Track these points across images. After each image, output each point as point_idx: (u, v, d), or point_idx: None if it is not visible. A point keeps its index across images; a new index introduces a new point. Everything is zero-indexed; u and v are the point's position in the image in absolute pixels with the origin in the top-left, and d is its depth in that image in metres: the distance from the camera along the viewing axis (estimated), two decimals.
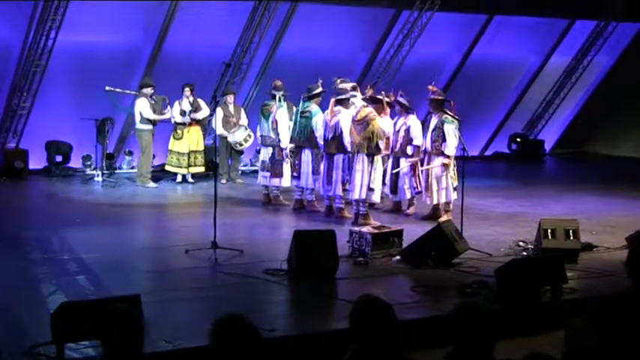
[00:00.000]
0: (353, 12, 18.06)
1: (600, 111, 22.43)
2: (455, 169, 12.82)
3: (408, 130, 13.06)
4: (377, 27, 18.95)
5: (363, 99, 12.84)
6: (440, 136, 12.71)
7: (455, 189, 12.68)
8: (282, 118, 13.75)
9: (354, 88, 12.95)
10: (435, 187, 12.78)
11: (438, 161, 12.76)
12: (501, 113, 22.22)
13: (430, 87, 13.07)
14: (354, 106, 12.60)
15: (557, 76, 22.12)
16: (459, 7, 18.74)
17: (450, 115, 12.73)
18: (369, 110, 12.34)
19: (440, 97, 13.07)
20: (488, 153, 22.48)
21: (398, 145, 13.16)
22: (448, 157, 12.72)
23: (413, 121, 13.12)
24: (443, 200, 12.80)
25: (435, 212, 12.90)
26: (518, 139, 22.12)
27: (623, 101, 21.76)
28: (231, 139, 16.13)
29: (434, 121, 12.87)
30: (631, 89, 21.50)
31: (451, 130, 12.62)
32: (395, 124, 13.23)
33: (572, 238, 10.36)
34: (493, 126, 22.27)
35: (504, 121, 22.35)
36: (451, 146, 12.63)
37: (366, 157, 12.24)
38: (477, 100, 20.51)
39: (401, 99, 13.21)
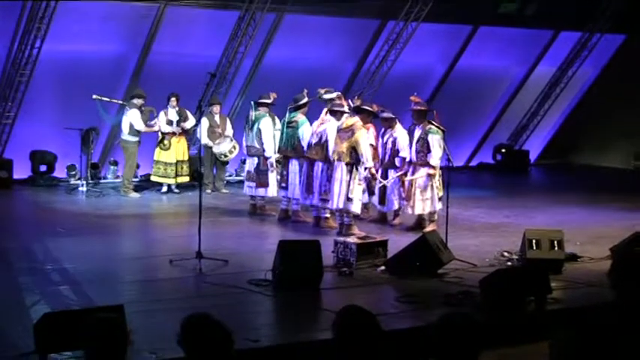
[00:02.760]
0: (338, 22, 18.08)
1: (585, 121, 22.50)
2: (440, 179, 12.82)
3: (394, 142, 13.08)
4: (362, 37, 18.97)
5: (350, 109, 12.83)
6: (424, 147, 12.70)
7: (440, 199, 12.68)
8: (267, 127, 13.73)
9: (338, 98, 12.95)
10: (418, 196, 12.76)
11: (423, 171, 12.75)
12: (486, 124, 22.26)
13: (413, 97, 13.06)
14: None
15: (542, 86, 22.17)
16: (444, 18, 18.78)
17: (434, 125, 12.73)
18: (355, 120, 12.34)
19: (423, 108, 13.07)
20: (473, 163, 22.49)
21: (386, 157, 13.18)
22: (433, 167, 12.72)
23: (399, 133, 13.12)
24: (427, 210, 12.79)
25: (419, 223, 12.91)
26: (503, 150, 22.12)
27: (608, 112, 21.83)
28: (216, 150, 16.10)
29: (418, 132, 12.83)
30: (615, 100, 21.58)
31: (436, 140, 12.61)
32: (382, 135, 13.26)
33: (556, 248, 10.39)
34: (478, 136, 22.30)
35: (489, 132, 22.39)
36: (436, 157, 12.62)
37: (345, 167, 12.21)
38: (462, 110, 20.52)
39: (383, 114, 13.20)
